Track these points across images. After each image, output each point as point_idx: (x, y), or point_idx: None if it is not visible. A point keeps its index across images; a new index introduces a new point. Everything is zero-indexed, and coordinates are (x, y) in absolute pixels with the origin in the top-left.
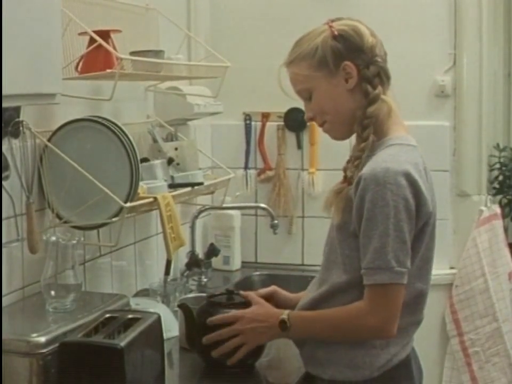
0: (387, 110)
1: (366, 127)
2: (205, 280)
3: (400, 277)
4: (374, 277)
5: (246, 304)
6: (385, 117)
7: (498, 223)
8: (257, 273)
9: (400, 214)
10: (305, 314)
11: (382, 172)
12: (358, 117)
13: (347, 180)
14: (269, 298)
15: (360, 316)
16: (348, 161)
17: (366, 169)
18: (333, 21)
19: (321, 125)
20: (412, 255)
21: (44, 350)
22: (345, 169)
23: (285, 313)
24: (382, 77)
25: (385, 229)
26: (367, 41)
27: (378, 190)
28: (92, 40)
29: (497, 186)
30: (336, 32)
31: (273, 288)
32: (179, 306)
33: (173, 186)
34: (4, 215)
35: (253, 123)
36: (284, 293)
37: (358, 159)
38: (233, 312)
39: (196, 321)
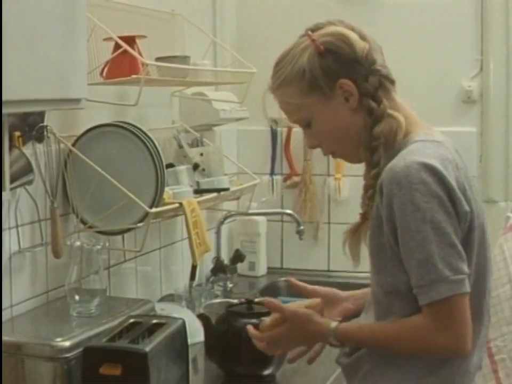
0: (397, 126)
1: (375, 150)
2: (230, 285)
3: (460, 286)
4: (430, 294)
5: (267, 313)
6: (397, 130)
7: None
8: (283, 279)
9: (438, 215)
10: (358, 330)
11: (403, 172)
12: (363, 139)
13: (362, 214)
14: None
15: (428, 336)
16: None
17: (385, 173)
18: (312, 30)
19: (330, 154)
20: None
21: (68, 355)
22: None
23: (333, 325)
24: (386, 85)
25: (425, 236)
26: (359, 49)
27: (405, 194)
28: (117, 46)
29: None
30: (322, 47)
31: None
32: (198, 316)
33: (198, 192)
34: (28, 220)
35: (278, 129)
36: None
37: (371, 188)
38: (278, 331)
39: (215, 331)
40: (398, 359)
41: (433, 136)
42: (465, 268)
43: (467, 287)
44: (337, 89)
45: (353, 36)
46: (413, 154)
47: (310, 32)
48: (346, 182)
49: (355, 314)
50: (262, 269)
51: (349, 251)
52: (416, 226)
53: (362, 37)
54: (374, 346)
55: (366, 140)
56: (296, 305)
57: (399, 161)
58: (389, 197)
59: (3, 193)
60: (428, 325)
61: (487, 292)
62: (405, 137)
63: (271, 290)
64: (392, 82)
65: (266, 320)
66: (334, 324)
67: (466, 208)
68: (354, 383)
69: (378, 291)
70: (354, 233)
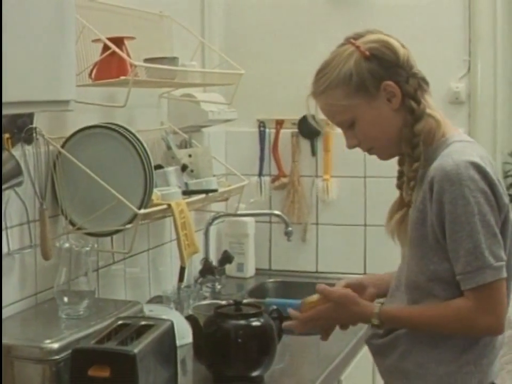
0: (436, 124)
1: (416, 145)
2: (219, 287)
3: (500, 272)
4: (476, 279)
5: (255, 315)
6: (436, 129)
7: None
8: (271, 280)
9: (484, 208)
10: (401, 311)
11: (454, 170)
12: (405, 135)
13: (406, 203)
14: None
15: (471, 317)
16: (399, 177)
17: (435, 171)
18: (354, 38)
19: (367, 151)
20: None
21: (57, 357)
22: (399, 186)
23: (377, 307)
24: (423, 86)
25: (473, 227)
26: (401, 54)
27: (455, 189)
28: (106, 47)
29: None
30: (367, 52)
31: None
32: (187, 318)
33: (187, 193)
34: (17, 222)
35: (267, 130)
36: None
37: (412, 179)
38: (321, 309)
39: (203, 332)
40: (434, 338)
41: (467, 137)
42: (504, 255)
43: (505, 273)
44: (381, 90)
45: (396, 43)
46: (458, 154)
47: (352, 40)
48: (334, 183)
49: (379, 297)
50: (250, 270)
51: (399, 240)
52: (466, 218)
53: (403, 46)
54: (416, 327)
55: (407, 136)
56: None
57: (448, 161)
58: (440, 193)
59: None
60: (471, 307)
61: (510, 278)
62: (442, 137)
63: (260, 291)
64: (427, 84)
65: (308, 299)
66: (377, 306)
67: (506, 201)
68: (389, 361)
69: (420, 278)
70: (402, 223)
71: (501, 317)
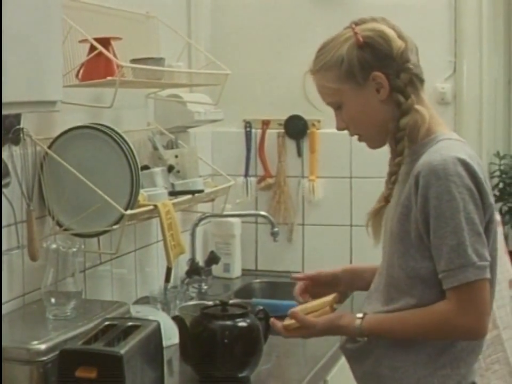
0: (421, 121)
1: (400, 140)
2: (205, 287)
3: (484, 272)
4: (458, 277)
5: (242, 315)
6: (421, 125)
7: (499, 231)
8: (258, 280)
9: (469, 205)
10: (383, 322)
11: (441, 165)
12: (391, 129)
13: (385, 198)
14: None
15: (451, 318)
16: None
17: (422, 166)
18: (356, 24)
19: (357, 138)
20: None
21: (44, 358)
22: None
23: (357, 324)
24: (415, 83)
25: (458, 223)
26: (395, 46)
27: (441, 184)
28: (93, 48)
29: (497, 193)
30: (361, 40)
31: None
32: (173, 318)
33: (173, 193)
34: (4, 223)
35: (253, 130)
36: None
37: (394, 174)
38: (306, 320)
39: (189, 333)
40: (410, 341)
41: (457, 136)
42: (488, 255)
43: (488, 274)
44: (370, 80)
45: (392, 34)
46: (446, 150)
47: (353, 25)
48: (320, 183)
49: (358, 289)
50: (236, 271)
51: (372, 231)
52: (451, 214)
53: (400, 36)
54: (399, 335)
55: (392, 130)
56: (321, 303)
57: (435, 156)
58: (426, 187)
59: None
60: (452, 309)
61: (494, 282)
62: (431, 135)
63: (246, 292)
64: (422, 81)
65: (290, 323)
66: (358, 322)
67: (491, 201)
68: (364, 367)
69: (400, 274)
70: (377, 215)
71: (483, 319)
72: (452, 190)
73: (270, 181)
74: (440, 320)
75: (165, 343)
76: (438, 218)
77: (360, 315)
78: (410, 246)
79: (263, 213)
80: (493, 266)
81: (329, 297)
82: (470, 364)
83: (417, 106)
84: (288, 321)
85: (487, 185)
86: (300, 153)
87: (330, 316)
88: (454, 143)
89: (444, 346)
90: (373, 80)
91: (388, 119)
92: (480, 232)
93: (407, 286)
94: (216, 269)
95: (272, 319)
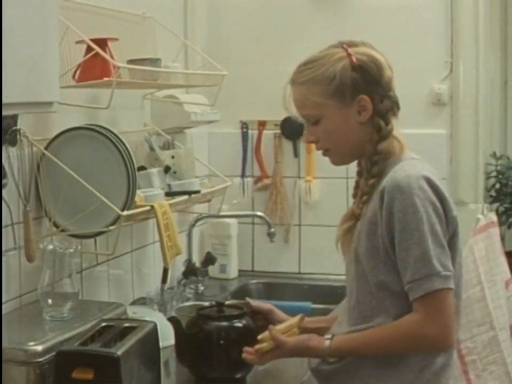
0: (399, 146)
1: (376, 163)
2: (202, 288)
3: (448, 281)
4: (423, 286)
5: (237, 316)
6: (397, 151)
7: (495, 231)
8: (254, 281)
9: (432, 218)
10: (351, 341)
11: (405, 180)
12: (367, 151)
13: (355, 216)
14: (263, 313)
15: (417, 329)
16: (355, 187)
17: (386, 182)
18: (348, 45)
19: (323, 152)
20: None
21: (41, 359)
22: (354, 196)
23: (327, 344)
24: (395, 110)
25: (422, 235)
26: (386, 75)
27: (406, 198)
28: (89, 49)
29: (494, 194)
30: (356, 62)
31: (270, 307)
32: (169, 319)
33: (169, 194)
34: None
35: (249, 131)
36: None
37: (366, 194)
38: (279, 337)
39: (185, 334)
40: (393, 359)
41: (418, 156)
42: (451, 266)
43: (452, 284)
44: (356, 101)
45: (384, 63)
46: (410, 167)
47: (345, 46)
48: (317, 184)
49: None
50: (233, 272)
51: (341, 249)
52: (416, 225)
53: (390, 67)
54: (369, 352)
55: (369, 153)
56: (288, 326)
57: (400, 173)
58: (390, 202)
59: None
60: (418, 319)
61: (459, 295)
62: (396, 156)
63: (242, 292)
64: (399, 108)
65: (260, 346)
66: (327, 343)
67: (455, 214)
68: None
69: (372, 289)
70: (347, 234)
71: (448, 328)
72: (416, 203)
73: (266, 181)
74: (407, 332)
75: (161, 344)
76: (402, 230)
77: (328, 336)
78: (379, 261)
79: (259, 213)
80: (456, 280)
81: (295, 319)
82: (448, 378)
83: (395, 133)
84: (258, 346)
85: (451, 200)
86: (296, 154)
87: (300, 337)
88: (417, 162)
89: (425, 362)
90: (358, 102)
91: (363, 141)
92: (444, 245)
93: (379, 299)
94: (213, 270)
95: (243, 354)
